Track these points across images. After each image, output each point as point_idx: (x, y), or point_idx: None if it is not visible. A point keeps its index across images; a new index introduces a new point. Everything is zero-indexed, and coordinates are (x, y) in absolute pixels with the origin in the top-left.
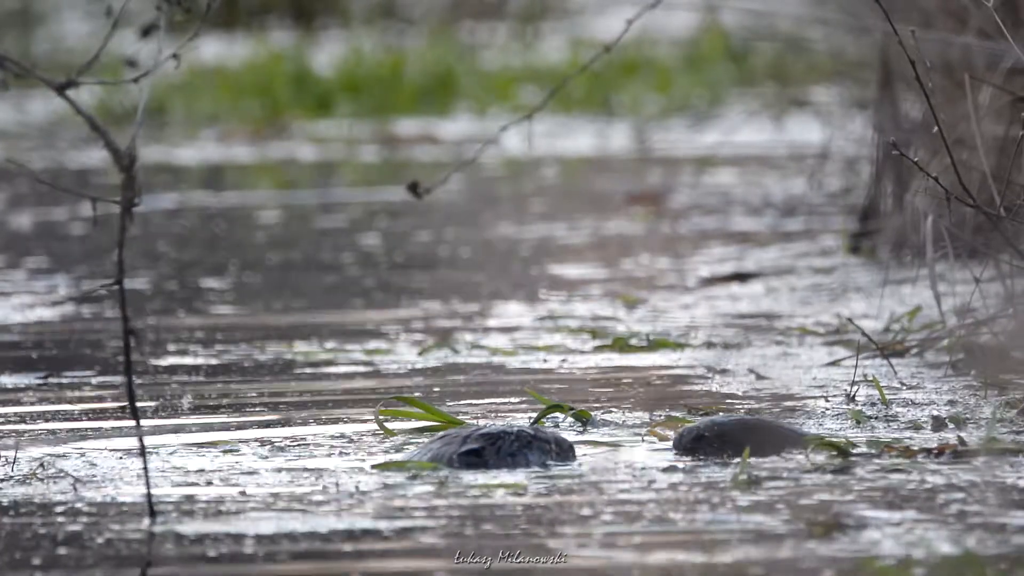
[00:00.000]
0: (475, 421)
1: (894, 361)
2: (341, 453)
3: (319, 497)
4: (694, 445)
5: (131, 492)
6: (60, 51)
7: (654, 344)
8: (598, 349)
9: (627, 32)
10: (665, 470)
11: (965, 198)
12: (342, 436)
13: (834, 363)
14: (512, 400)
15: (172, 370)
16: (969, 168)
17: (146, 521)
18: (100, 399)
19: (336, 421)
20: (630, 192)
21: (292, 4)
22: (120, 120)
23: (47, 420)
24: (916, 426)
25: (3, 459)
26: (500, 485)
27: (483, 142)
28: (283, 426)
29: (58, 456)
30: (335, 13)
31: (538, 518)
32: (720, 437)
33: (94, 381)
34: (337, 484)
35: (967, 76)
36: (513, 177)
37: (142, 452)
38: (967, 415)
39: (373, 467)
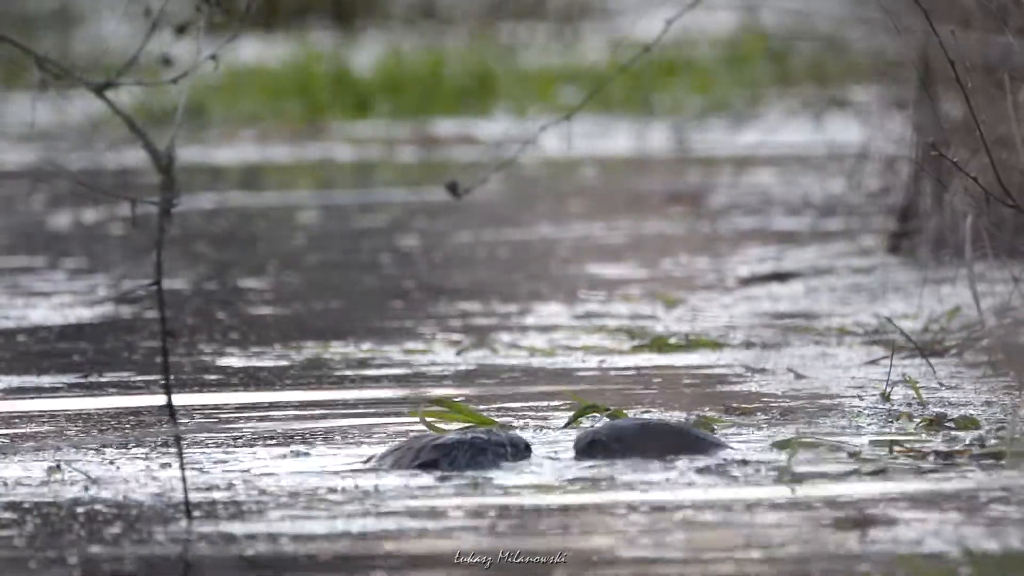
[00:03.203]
0: (513, 422)
1: (933, 361)
2: (369, 454)
3: (339, 498)
4: (589, 449)
5: (168, 492)
6: (99, 52)
7: (693, 344)
8: (636, 349)
9: (667, 32)
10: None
11: (1004, 198)
12: (377, 437)
13: (873, 363)
14: (550, 401)
15: (209, 370)
16: (1009, 168)
17: (183, 522)
18: (138, 398)
19: (373, 422)
20: (669, 192)
21: (332, 4)
22: (159, 121)
23: (86, 419)
24: (943, 426)
25: (41, 458)
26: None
27: (522, 142)
28: (320, 428)
29: (94, 455)
30: (375, 13)
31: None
32: (618, 440)
33: (133, 381)
34: (356, 485)
35: (1007, 75)
36: (552, 177)
37: (179, 453)
38: (1003, 415)
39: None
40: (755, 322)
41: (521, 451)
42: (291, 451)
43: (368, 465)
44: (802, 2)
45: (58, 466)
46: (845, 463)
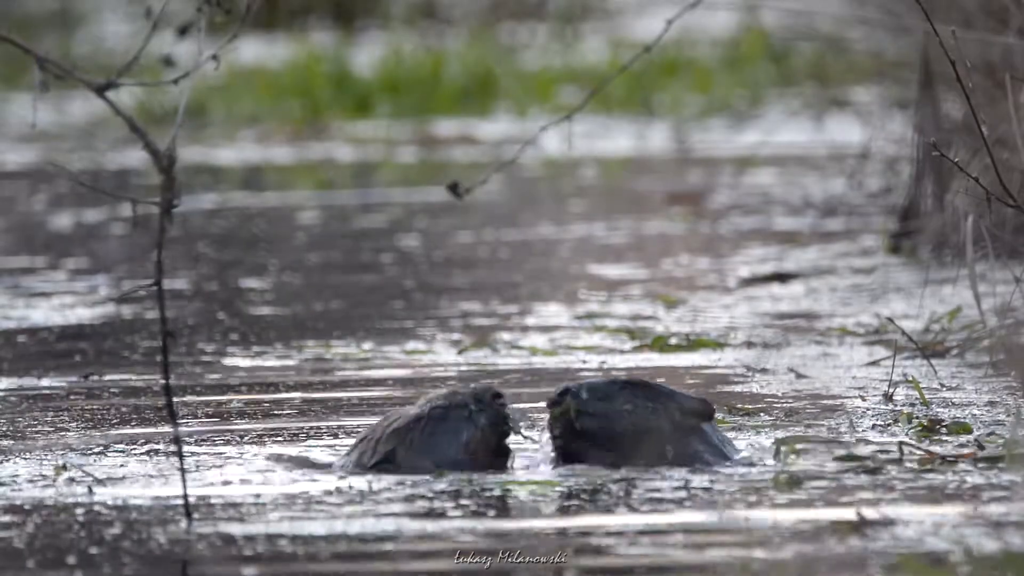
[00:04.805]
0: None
1: (934, 361)
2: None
3: (336, 499)
4: (560, 397)
5: (168, 493)
6: (100, 52)
7: (694, 344)
8: (638, 349)
9: (667, 32)
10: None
11: (1005, 198)
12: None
13: (874, 363)
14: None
15: (210, 370)
16: (1010, 168)
17: (183, 523)
18: (138, 399)
19: (375, 421)
20: (670, 192)
21: (332, 5)
22: (160, 121)
23: (87, 420)
24: (942, 428)
25: (42, 459)
26: None
27: (523, 143)
28: (323, 428)
29: (94, 456)
30: (375, 14)
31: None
32: (590, 388)
33: (133, 381)
34: (350, 486)
35: (1008, 76)
36: (552, 177)
37: (179, 453)
38: (1004, 416)
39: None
40: (756, 322)
41: (488, 402)
42: (298, 452)
43: (339, 464)
44: (803, 2)
45: (64, 466)
46: (845, 464)
